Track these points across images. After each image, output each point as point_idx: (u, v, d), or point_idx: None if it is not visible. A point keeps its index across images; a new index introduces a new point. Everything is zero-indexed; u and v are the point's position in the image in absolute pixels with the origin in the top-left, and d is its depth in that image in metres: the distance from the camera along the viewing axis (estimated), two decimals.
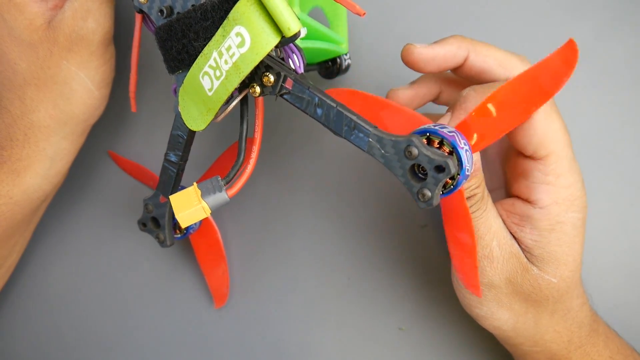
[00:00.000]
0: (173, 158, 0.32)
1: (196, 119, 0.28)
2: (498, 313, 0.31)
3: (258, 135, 0.29)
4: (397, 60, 0.38)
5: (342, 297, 0.40)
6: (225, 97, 0.26)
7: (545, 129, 0.28)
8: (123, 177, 0.42)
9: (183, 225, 0.27)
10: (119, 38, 0.37)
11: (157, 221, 0.34)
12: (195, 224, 0.36)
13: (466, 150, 0.25)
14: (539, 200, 0.29)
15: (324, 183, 0.40)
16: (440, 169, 0.24)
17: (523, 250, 0.30)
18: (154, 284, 0.43)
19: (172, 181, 0.32)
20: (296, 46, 0.27)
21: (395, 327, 0.40)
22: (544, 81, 0.25)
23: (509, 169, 0.32)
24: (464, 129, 0.26)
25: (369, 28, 0.38)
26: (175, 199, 0.28)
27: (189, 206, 0.27)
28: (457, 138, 0.25)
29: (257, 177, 0.40)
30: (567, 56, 0.25)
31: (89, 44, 0.33)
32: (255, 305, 0.42)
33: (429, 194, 0.25)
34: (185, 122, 0.28)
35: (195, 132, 0.30)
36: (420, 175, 0.26)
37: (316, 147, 0.40)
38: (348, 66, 0.37)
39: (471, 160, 0.26)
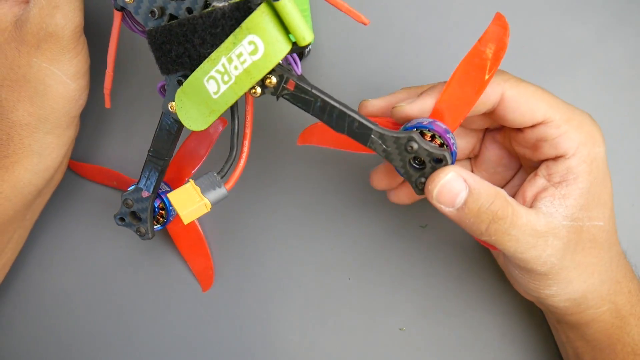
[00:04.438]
0: (158, 154, 0.32)
1: (196, 120, 0.29)
2: (568, 287, 0.30)
3: (248, 131, 0.30)
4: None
5: (342, 297, 0.40)
6: (233, 101, 0.27)
7: (526, 100, 0.29)
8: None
9: (186, 222, 0.28)
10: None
11: (136, 215, 0.35)
12: (171, 214, 0.37)
13: (452, 139, 0.29)
14: (568, 149, 0.29)
15: (323, 183, 0.40)
16: (438, 160, 0.28)
17: (573, 207, 0.30)
18: (149, 279, 0.43)
19: (156, 177, 0.33)
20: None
21: (395, 327, 0.40)
22: (485, 57, 0.28)
23: (521, 151, 0.32)
24: (437, 115, 0.29)
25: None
26: (175, 197, 0.29)
27: (192, 203, 0.28)
28: (443, 129, 0.29)
29: (256, 177, 0.40)
30: (499, 28, 0.28)
31: (59, 40, 0.32)
32: (255, 306, 0.42)
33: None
34: (183, 122, 0.29)
35: (181, 129, 0.31)
36: (415, 165, 0.29)
37: (316, 146, 0.40)
38: (309, 51, 0.39)
39: (456, 147, 0.30)
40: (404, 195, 0.35)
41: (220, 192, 0.29)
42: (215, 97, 0.27)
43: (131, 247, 0.43)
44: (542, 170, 0.30)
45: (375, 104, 0.33)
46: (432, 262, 0.40)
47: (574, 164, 0.29)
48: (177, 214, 0.38)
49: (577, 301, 0.31)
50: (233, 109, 0.29)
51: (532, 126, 0.30)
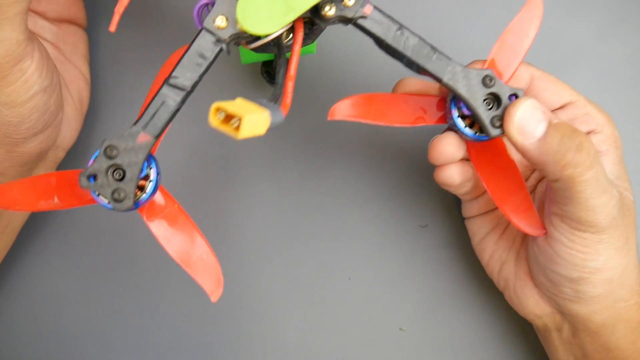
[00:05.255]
0: (182, 83, 0.26)
1: (265, 21, 0.25)
2: (613, 259, 0.29)
3: (293, 73, 0.27)
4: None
5: (342, 297, 0.40)
6: None
7: (553, 82, 0.32)
8: None
9: (244, 133, 0.21)
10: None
11: (115, 173, 0.26)
12: (148, 193, 0.28)
13: None
14: (597, 125, 0.31)
15: (324, 183, 0.40)
16: (515, 96, 0.28)
17: (610, 175, 0.31)
18: (148, 280, 0.42)
19: (168, 115, 0.26)
20: None
21: (396, 327, 0.40)
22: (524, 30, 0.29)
23: None
24: (493, 66, 0.29)
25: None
26: (230, 105, 0.22)
27: (254, 111, 0.22)
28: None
29: (257, 176, 0.40)
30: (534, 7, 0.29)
31: None
32: (254, 306, 0.41)
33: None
34: (246, 25, 0.24)
35: (219, 54, 0.26)
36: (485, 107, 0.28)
37: (317, 147, 0.40)
38: None
39: None
40: (457, 171, 0.32)
41: (278, 114, 0.24)
42: None
43: (131, 248, 0.42)
44: None
45: (414, 82, 0.33)
46: (432, 262, 0.40)
47: (603, 139, 0.31)
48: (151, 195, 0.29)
49: (613, 284, 0.29)
50: (280, 45, 0.27)
51: (560, 107, 0.32)
